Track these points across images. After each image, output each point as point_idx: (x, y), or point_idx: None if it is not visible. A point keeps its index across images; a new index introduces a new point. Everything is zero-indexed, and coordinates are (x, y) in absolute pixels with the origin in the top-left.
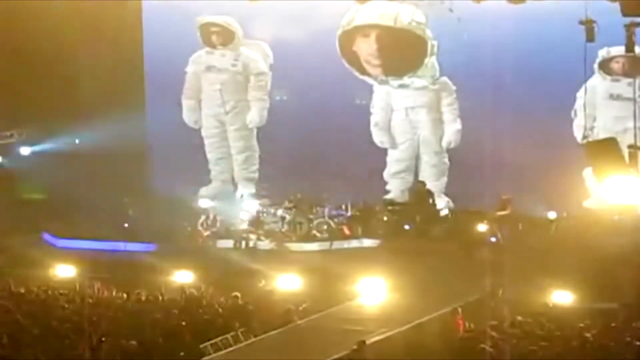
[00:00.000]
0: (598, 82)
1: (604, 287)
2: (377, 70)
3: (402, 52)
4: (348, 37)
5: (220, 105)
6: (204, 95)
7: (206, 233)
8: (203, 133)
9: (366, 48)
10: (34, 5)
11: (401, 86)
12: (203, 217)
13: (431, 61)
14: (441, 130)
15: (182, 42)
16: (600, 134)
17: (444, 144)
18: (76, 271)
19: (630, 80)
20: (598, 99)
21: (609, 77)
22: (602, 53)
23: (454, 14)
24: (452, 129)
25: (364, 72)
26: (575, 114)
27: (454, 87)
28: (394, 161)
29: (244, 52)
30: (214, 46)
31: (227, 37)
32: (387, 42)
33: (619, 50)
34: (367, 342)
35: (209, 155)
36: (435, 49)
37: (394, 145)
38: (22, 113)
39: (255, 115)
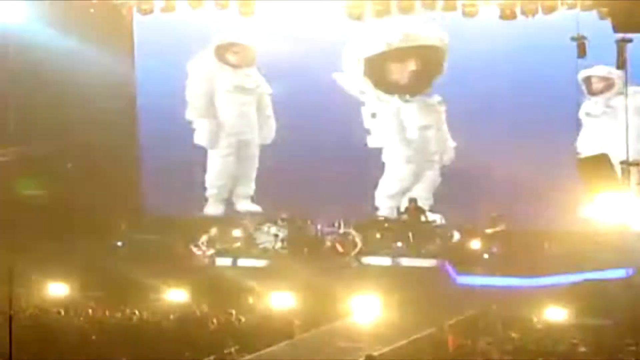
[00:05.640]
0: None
1: (597, 303)
2: (405, 90)
3: (428, 70)
4: (382, 59)
5: (246, 125)
6: (226, 115)
7: (200, 251)
8: (215, 152)
9: (400, 68)
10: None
11: (414, 103)
12: (197, 235)
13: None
14: (440, 147)
15: (173, 56)
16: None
17: (446, 160)
18: (69, 289)
19: (597, 98)
20: (582, 115)
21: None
22: (581, 75)
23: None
24: (450, 145)
25: (389, 91)
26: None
27: (446, 104)
28: (398, 179)
29: (257, 71)
30: (232, 65)
31: (247, 57)
32: (422, 62)
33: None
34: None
35: (210, 174)
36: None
37: (400, 163)
38: (12, 131)
39: (268, 134)
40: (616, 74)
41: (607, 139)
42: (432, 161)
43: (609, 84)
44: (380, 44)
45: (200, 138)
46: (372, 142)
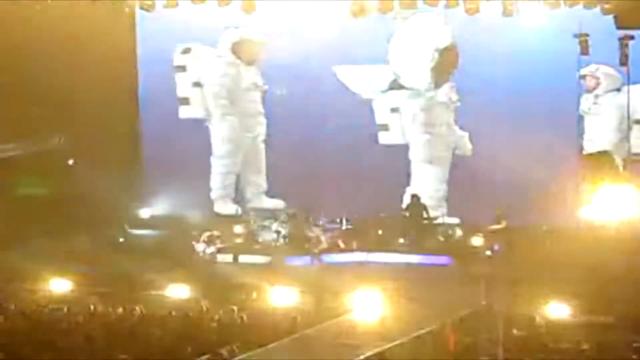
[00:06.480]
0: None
1: (601, 300)
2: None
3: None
4: (452, 50)
5: (257, 122)
6: (245, 113)
7: (203, 247)
8: (228, 150)
9: (456, 60)
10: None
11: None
12: (200, 232)
13: None
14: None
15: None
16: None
17: (467, 152)
18: (71, 286)
19: (588, 95)
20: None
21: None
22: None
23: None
24: (463, 134)
25: (439, 84)
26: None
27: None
28: (433, 178)
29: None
30: (247, 62)
31: (259, 53)
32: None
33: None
34: (362, 357)
35: (221, 172)
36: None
37: (426, 160)
38: (13, 128)
39: (262, 130)
40: (602, 71)
41: (590, 134)
42: (452, 156)
43: (598, 82)
44: (451, 34)
45: (218, 135)
46: (389, 138)
